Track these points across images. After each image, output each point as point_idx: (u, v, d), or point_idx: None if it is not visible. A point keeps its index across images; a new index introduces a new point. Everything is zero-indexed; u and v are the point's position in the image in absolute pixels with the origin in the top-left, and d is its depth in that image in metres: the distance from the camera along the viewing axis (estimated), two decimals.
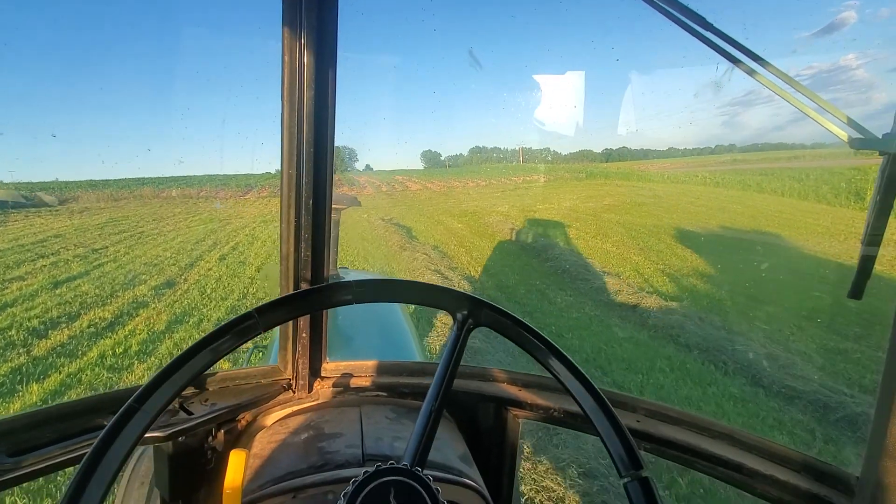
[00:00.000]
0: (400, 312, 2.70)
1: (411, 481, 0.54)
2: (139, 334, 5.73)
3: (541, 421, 1.06)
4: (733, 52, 0.75)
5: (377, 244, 12.38)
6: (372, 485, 0.53)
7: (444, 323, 5.66)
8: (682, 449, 0.91)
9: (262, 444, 0.92)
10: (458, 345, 0.71)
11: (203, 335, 0.60)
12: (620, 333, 6.21)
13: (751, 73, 0.75)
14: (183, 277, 8.52)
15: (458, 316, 0.72)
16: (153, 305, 6.87)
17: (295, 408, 1.05)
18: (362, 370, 1.15)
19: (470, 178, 28.78)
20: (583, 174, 27.90)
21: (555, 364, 0.70)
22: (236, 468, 0.69)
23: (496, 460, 1.10)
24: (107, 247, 10.89)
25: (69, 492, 0.48)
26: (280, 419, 1.02)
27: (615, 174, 27.28)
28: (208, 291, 7.61)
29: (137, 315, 6.46)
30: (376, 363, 1.16)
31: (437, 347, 5.12)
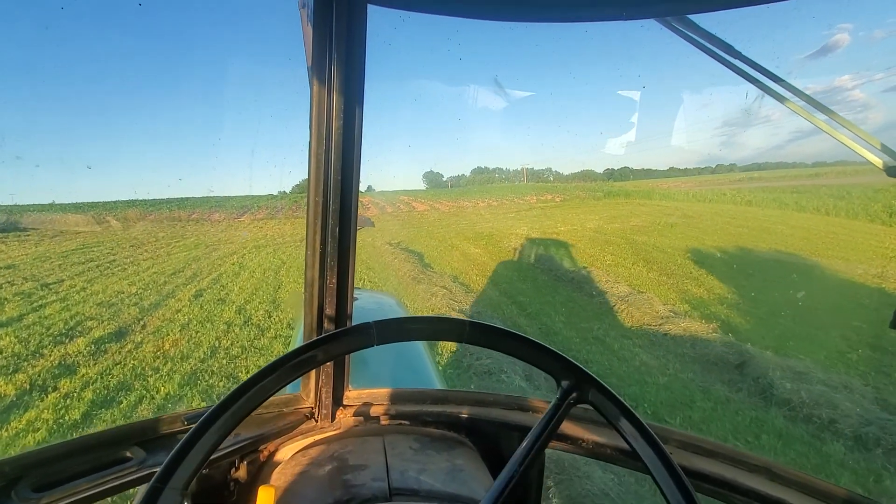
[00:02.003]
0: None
1: None
2: (34, 430, 3.85)
3: (568, 451, 1.02)
4: (762, 78, 0.76)
5: (386, 274, 10.55)
6: None
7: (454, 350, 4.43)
8: (719, 483, 0.86)
9: (286, 476, 0.90)
10: (557, 414, 0.67)
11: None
12: (742, 416, 4.31)
13: (781, 99, 0.77)
14: (140, 324, 6.67)
15: (564, 384, 0.69)
16: (82, 372, 5.01)
17: (317, 437, 1.03)
18: (384, 398, 1.12)
19: (480, 197, 27.14)
20: (600, 193, 26.25)
21: (661, 474, 0.64)
22: None
23: (521, 492, 0.89)
24: (61, 281, 9.10)
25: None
26: (302, 449, 1.00)
27: (636, 193, 25.64)
28: (165, 348, 5.74)
29: (54, 389, 4.58)
30: (398, 391, 1.13)
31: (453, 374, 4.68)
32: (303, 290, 1.04)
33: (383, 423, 1.08)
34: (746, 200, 22.21)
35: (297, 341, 2.56)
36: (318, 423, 1.06)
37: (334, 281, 0.99)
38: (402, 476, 0.87)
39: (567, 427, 1.02)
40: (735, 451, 0.91)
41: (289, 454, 1.00)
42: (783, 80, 0.74)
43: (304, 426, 1.05)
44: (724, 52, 0.75)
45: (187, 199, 27.00)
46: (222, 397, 0.59)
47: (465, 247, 14.11)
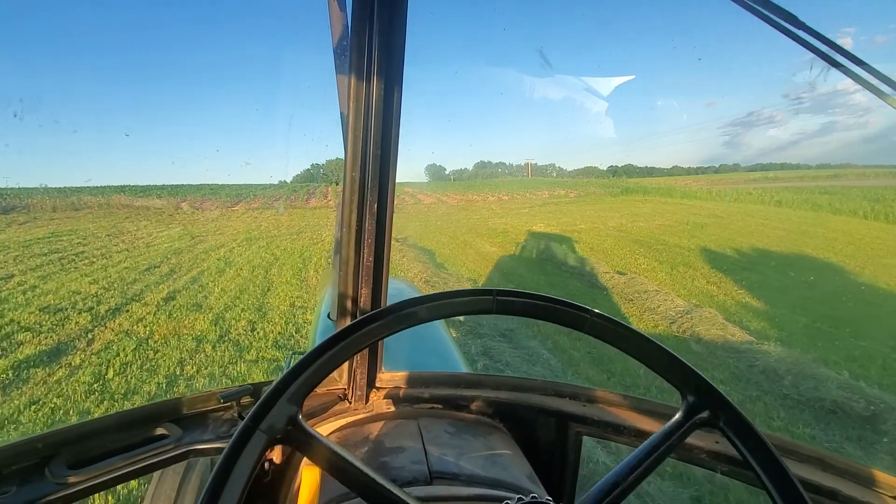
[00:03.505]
0: (438, 322, 2.41)
1: None
2: None
3: (606, 439, 1.00)
4: (826, 49, 0.68)
5: (393, 274, 9.14)
6: None
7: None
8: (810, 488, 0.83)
9: None
10: (679, 432, 0.58)
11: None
12: None
13: (848, 73, 0.69)
14: (86, 339, 5.28)
15: (689, 399, 0.59)
16: None
17: (351, 419, 1.02)
18: (417, 381, 1.10)
19: (490, 191, 25.70)
20: (617, 189, 24.80)
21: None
22: (311, 486, 0.67)
23: (557, 479, 1.04)
24: (10, 276, 7.70)
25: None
26: (336, 430, 0.99)
27: (655, 190, 24.20)
28: (108, 376, 4.35)
29: None
30: (432, 374, 1.11)
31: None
32: (332, 270, 1.00)
33: (416, 406, 1.06)
34: (776, 201, 20.79)
35: (319, 331, 2.36)
36: (352, 404, 1.05)
37: (371, 259, 0.95)
38: (441, 460, 0.85)
39: (601, 413, 1.00)
40: (786, 441, 0.87)
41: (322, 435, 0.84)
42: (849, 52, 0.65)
43: (337, 407, 1.04)
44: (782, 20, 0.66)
45: (180, 185, 25.54)
46: (327, 335, 0.54)
47: (479, 244, 12.71)
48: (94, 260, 9.38)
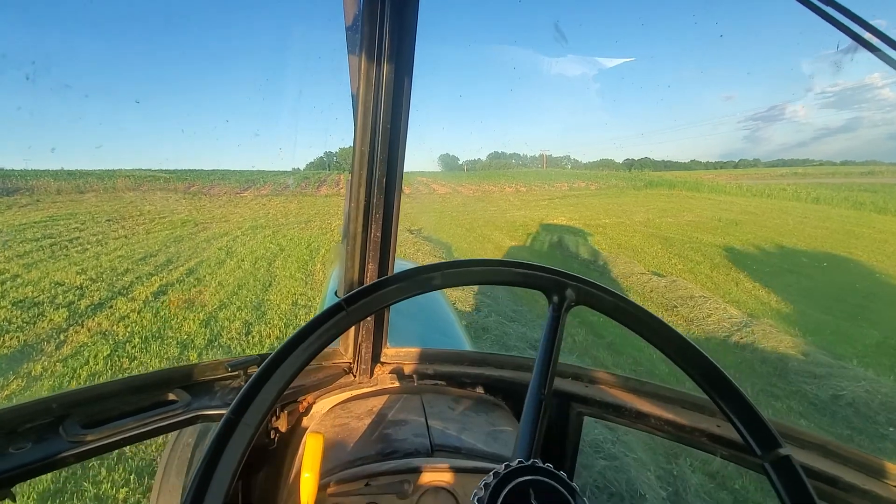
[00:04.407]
0: (442, 299, 2.51)
1: (554, 482, 0.49)
2: None
3: (606, 420, 1.00)
4: (857, 28, 0.63)
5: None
6: (514, 482, 0.48)
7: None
8: None
9: (327, 427, 0.91)
10: (556, 325, 0.63)
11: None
12: None
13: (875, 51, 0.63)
14: (57, 341, 4.62)
15: (554, 298, 0.64)
16: None
17: (356, 392, 1.04)
18: (422, 357, 1.11)
19: (507, 182, 24.71)
20: (640, 182, 23.64)
21: (663, 340, 0.61)
22: (314, 452, 0.66)
23: (557, 457, 1.05)
24: None
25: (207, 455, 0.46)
26: (341, 402, 1.01)
27: (680, 184, 22.98)
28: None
29: None
30: (436, 351, 1.12)
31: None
32: (339, 247, 0.98)
33: (420, 382, 1.07)
34: (812, 197, 19.52)
35: (327, 300, 2.25)
36: (357, 378, 1.06)
37: (378, 234, 0.95)
38: (443, 433, 0.87)
39: (602, 394, 1.00)
40: (789, 428, 0.85)
41: (327, 407, 1.00)
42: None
43: (342, 380, 1.05)
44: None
45: (190, 170, 25.08)
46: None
47: (498, 238, 11.88)
48: (88, 247, 8.77)
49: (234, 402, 0.50)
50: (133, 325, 5.11)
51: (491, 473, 0.48)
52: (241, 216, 13.74)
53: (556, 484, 0.48)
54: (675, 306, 6.61)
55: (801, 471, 0.53)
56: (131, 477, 2.62)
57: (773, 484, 0.54)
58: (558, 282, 0.63)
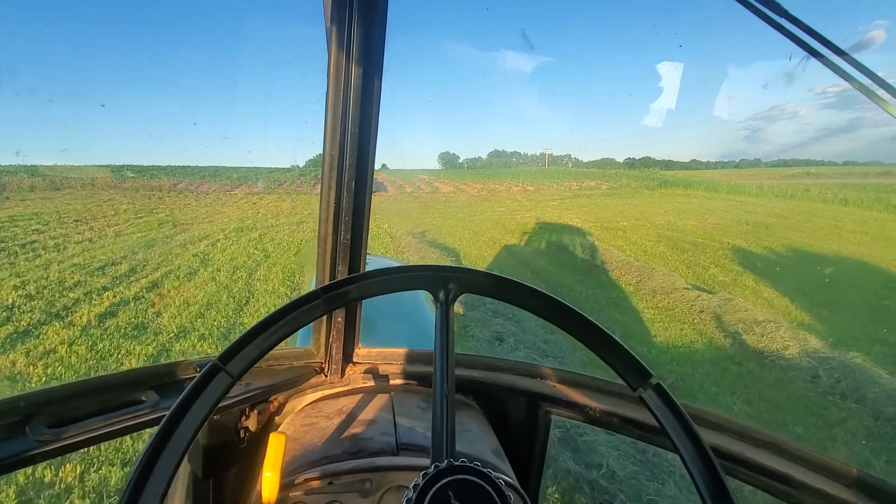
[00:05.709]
0: (423, 299, 2.42)
1: (478, 479, 0.49)
2: None
3: (573, 419, 1.01)
4: (812, 42, 0.63)
5: None
6: (444, 480, 0.48)
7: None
8: (723, 456, 0.85)
9: (296, 426, 0.91)
10: (446, 320, 0.63)
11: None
12: None
13: (835, 68, 0.62)
14: None
15: (441, 294, 0.64)
16: None
17: (327, 392, 1.04)
18: (393, 357, 1.11)
19: (513, 181, 23.50)
20: (654, 182, 22.46)
21: (540, 306, 0.63)
22: (276, 451, 0.68)
23: (525, 455, 1.08)
24: None
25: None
26: (312, 402, 1.01)
27: (697, 184, 21.80)
28: None
29: None
30: (408, 351, 1.12)
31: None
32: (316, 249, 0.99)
33: (392, 381, 1.08)
34: (840, 199, 18.36)
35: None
36: (328, 377, 1.06)
37: (348, 237, 0.96)
38: (410, 432, 0.88)
39: (570, 393, 1.02)
40: (743, 426, 0.87)
41: (298, 406, 1.01)
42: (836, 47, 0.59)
43: (313, 380, 1.05)
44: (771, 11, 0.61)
45: (181, 167, 23.97)
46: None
47: (510, 242, 10.71)
48: (42, 253, 7.60)
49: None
50: (61, 360, 3.95)
51: (411, 486, 0.48)
52: (228, 216, 12.55)
53: (479, 481, 0.48)
54: (738, 333, 5.43)
55: (672, 394, 0.57)
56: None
57: (650, 410, 0.56)
58: (441, 276, 0.63)
